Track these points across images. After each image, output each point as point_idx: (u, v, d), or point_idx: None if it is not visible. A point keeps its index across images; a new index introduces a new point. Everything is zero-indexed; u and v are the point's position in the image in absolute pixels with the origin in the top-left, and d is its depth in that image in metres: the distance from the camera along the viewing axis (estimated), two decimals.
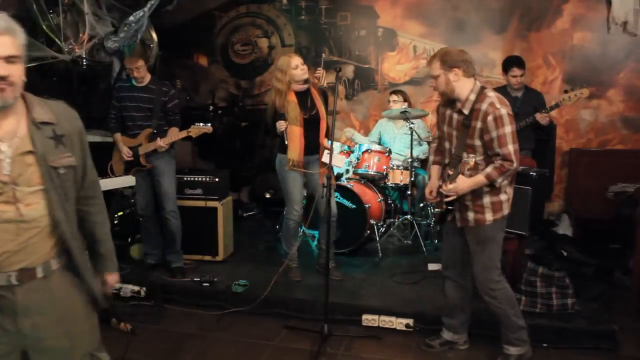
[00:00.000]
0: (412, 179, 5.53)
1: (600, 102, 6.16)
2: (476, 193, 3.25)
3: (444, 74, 3.20)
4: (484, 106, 3.12)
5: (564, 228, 5.86)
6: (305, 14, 7.23)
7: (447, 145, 3.39)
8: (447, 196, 3.27)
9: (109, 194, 4.30)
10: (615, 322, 3.82)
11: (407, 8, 6.76)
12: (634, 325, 3.98)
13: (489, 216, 3.26)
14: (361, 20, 6.98)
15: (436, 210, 3.80)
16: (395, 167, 5.63)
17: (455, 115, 3.30)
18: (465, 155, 3.24)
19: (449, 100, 3.32)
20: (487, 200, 3.25)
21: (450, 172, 3.29)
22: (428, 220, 5.72)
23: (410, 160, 5.49)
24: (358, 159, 5.58)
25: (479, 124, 3.15)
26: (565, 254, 4.85)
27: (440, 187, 3.34)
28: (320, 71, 4.90)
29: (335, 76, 4.03)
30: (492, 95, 3.16)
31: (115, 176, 4.71)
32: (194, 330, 4.12)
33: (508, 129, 3.08)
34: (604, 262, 4.86)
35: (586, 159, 6.02)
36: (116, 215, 5.30)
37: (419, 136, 5.71)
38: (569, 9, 6.20)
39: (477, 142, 3.19)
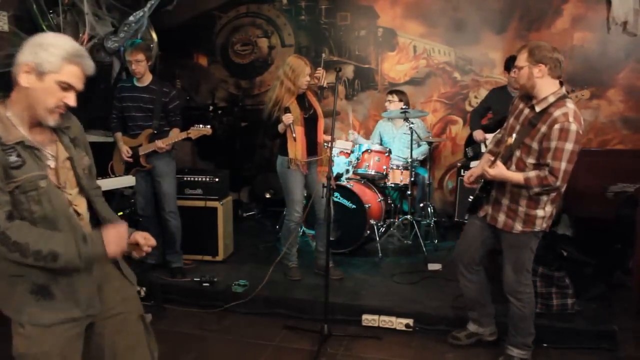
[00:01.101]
0: (412, 178, 5.54)
1: (600, 102, 6.17)
2: (515, 197, 3.18)
3: (528, 67, 3.08)
4: (557, 113, 2.98)
5: (564, 228, 5.85)
6: (305, 14, 7.23)
7: (507, 138, 3.25)
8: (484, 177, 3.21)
9: (109, 194, 4.29)
10: (615, 322, 3.82)
11: (407, 8, 6.76)
12: (634, 325, 3.98)
13: (518, 225, 3.19)
14: (361, 20, 6.98)
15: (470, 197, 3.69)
16: (395, 167, 5.64)
17: (526, 111, 3.17)
18: (517, 153, 3.14)
19: (526, 95, 3.20)
20: (522, 209, 3.16)
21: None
22: (428, 220, 5.72)
23: (409, 160, 5.50)
24: (358, 159, 5.58)
25: (544, 128, 3.01)
26: (565, 254, 4.84)
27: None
28: (320, 71, 4.90)
29: (335, 76, 4.04)
30: (570, 107, 3.00)
31: (116, 176, 4.71)
32: (194, 331, 4.12)
33: (570, 146, 2.93)
34: (604, 262, 4.86)
35: (586, 159, 5.96)
36: (116, 215, 5.29)
37: (418, 136, 5.71)
38: (569, 9, 6.20)
39: (535, 146, 3.06)
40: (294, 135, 4.45)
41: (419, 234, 5.51)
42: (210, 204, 5.16)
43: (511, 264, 3.32)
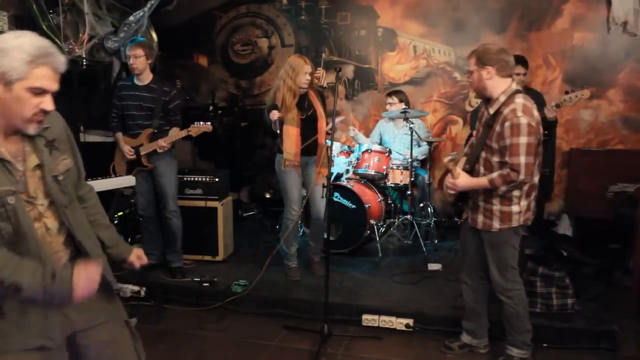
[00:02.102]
0: (412, 179, 5.54)
1: (600, 102, 6.17)
2: (487, 197, 3.23)
3: (477, 71, 3.19)
4: (506, 111, 3.07)
5: (564, 228, 5.87)
6: (305, 14, 7.23)
7: (474, 140, 3.39)
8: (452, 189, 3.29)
9: (109, 194, 4.29)
10: (615, 322, 3.82)
11: (407, 8, 6.76)
12: (634, 325, 3.99)
13: (496, 224, 3.23)
14: (361, 20, 6.98)
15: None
16: (395, 167, 5.64)
17: (485, 113, 3.28)
18: (483, 154, 3.22)
19: (484, 98, 3.29)
20: (496, 207, 3.21)
21: (466, 167, 3.30)
22: (428, 220, 5.72)
23: (410, 160, 5.50)
24: (358, 159, 5.58)
25: (498, 127, 3.10)
26: (565, 254, 4.86)
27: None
28: (320, 71, 4.91)
29: (335, 76, 4.04)
30: (519, 102, 3.08)
31: (117, 176, 4.71)
32: (194, 330, 4.12)
33: (523, 139, 3.00)
34: (603, 262, 4.87)
35: (586, 159, 6.02)
36: (116, 215, 5.30)
37: (419, 136, 5.72)
38: (569, 9, 6.20)
39: (495, 145, 3.14)
40: (277, 130, 4.43)
41: (419, 234, 5.51)
42: (210, 204, 5.16)
43: (495, 263, 3.33)
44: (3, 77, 1.72)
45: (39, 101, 1.78)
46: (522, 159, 3.02)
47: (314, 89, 4.66)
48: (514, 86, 3.18)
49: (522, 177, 3.04)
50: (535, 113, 3.09)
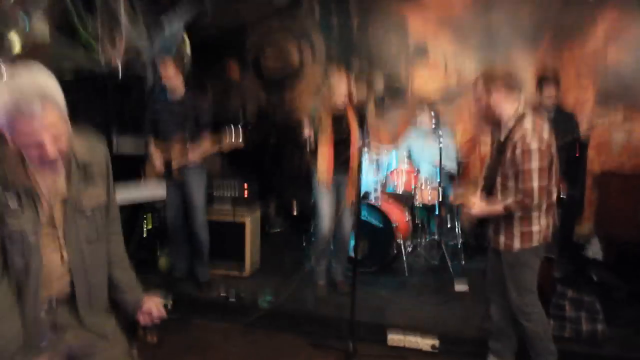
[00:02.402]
0: (441, 199, 5.48)
1: (634, 123, 6.05)
2: (508, 218, 3.22)
3: (485, 98, 3.18)
4: (516, 137, 3.07)
5: (594, 252, 5.76)
6: (337, 28, 7.27)
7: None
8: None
9: (139, 206, 4.34)
10: None
11: (439, 24, 6.75)
12: None
13: (517, 244, 3.22)
14: (393, 36, 6.99)
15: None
16: (423, 187, 5.57)
17: (495, 138, 3.30)
18: (498, 179, 3.22)
19: (493, 122, 3.29)
20: (517, 229, 3.21)
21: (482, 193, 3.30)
22: (455, 241, 5.67)
23: (439, 173, 5.43)
24: (386, 177, 5.57)
25: (509, 154, 3.11)
26: (595, 278, 4.77)
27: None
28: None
29: (367, 92, 4.03)
30: (527, 126, 3.07)
31: (148, 179, 4.72)
32: (220, 344, 4.14)
33: (535, 164, 3.02)
34: (636, 286, 4.76)
35: (618, 181, 5.92)
36: (145, 228, 5.37)
37: (449, 144, 5.66)
38: (604, 27, 6.12)
39: (508, 171, 3.15)
40: (308, 147, 4.45)
41: (446, 254, 5.47)
42: (238, 218, 5.19)
43: (514, 286, 3.30)
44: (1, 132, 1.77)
45: (35, 151, 1.77)
46: (535, 184, 3.03)
47: (354, 109, 4.61)
48: (521, 109, 3.17)
49: (536, 202, 3.06)
50: (545, 135, 3.08)
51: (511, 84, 3.15)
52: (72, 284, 2.02)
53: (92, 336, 2.08)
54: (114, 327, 2.19)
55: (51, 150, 1.74)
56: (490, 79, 3.17)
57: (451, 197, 3.34)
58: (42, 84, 1.73)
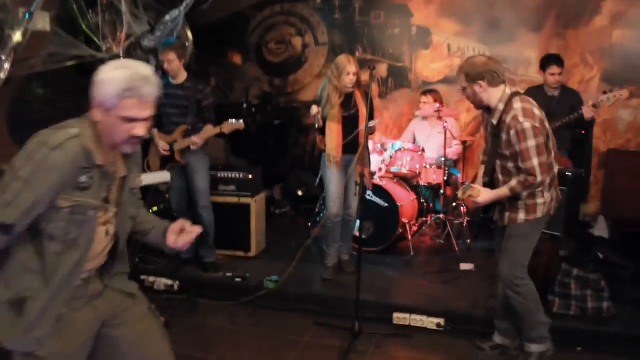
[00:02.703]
0: (446, 178, 5.50)
1: None
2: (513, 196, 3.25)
3: (469, 87, 3.21)
4: (509, 119, 3.11)
5: (600, 230, 5.75)
6: (339, 13, 7.23)
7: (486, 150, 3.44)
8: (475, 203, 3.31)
9: (145, 190, 4.38)
10: None
11: (441, 6, 6.71)
12: None
13: (521, 215, 3.25)
14: (395, 19, 6.95)
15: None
16: (428, 166, 5.61)
17: (489, 122, 3.32)
18: (498, 162, 3.26)
19: (484, 108, 3.32)
20: (521, 202, 3.25)
21: (484, 179, 3.35)
22: (461, 220, 5.68)
23: (443, 159, 5.46)
24: (391, 157, 5.57)
25: (505, 136, 3.16)
26: (601, 256, 4.76)
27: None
28: None
29: (370, 74, 4.03)
30: (517, 106, 3.11)
31: (152, 171, 4.79)
32: (226, 324, 4.18)
33: (532, 142, 3.05)
34: None
35: (624, 159, 5.89)
36: (150, 211, 5.38)
37: (452, 135, 5.67)
38: (608, 6, 6.06)
39: (506, 152, 3.20)
40: (316, 125, 4.46)
41: (451, 234, 5.48)
42: (243, 200, 5.21)
43: (507, 257, 3.34)
44: (102, 105, 1.92)
45: (130, 127, 1.95)
46: (535, 161, 3.07)
47: (361, 89, 4.67)
48: (508, 91, 3.20)
49: (539, 178, 3.09)
50: (537, 112, 3.13)
51: (493, 78, 3.16)
52: (110, 255, 2.17)
53: (121, 297, 2.21)
54: (137, 288, 2.31)
55: (145, 130, 1.98)
56: (472, 69, 3.18)
57: (459, 193, 3.33)
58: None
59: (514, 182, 3.16)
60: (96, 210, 2.00)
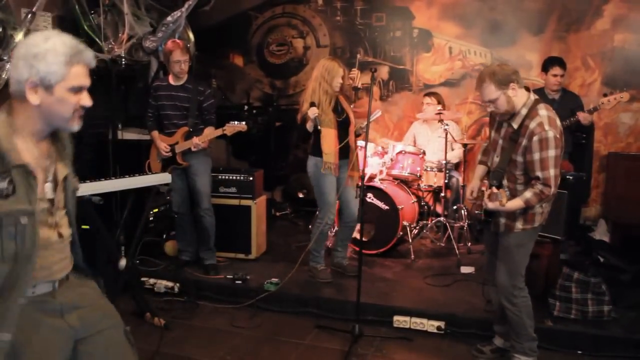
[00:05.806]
0: (446, 180, 5.50)
1: None
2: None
3: (503, 94, 3.10)
4: (533, 125, 3.05)
5: (601, 234, 5.75)
6: (341, 15, 7.24)
7: (492, 151, 3.38)
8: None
9: (145, 191, 4.37)
10: None
11: (442, 9, 6.71)
12: None
13: (519, 224, 3.23)
14: (396, 21, 6.96)
15: (476, 211, 3.77)
16: (429, 169, 5.61)
17: (505, 125, 3.25)
18: (507, 167, 3.21)
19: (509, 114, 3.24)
20: (519, 210, 3.20)
21: (494, 187, 3.22)
22: (461, 223, 5.68)
23: (444, 162, 5.46)
24: (392, 159, 5.57)
25: (524, 142, 3.09)
26: (601, 260, 4.76)
27: (480, 194, 3.31)
28: (355, 72, 4.91)
29: (371, 77, 4.02)
30: (543, 114, 3.07)
31: (152, 174, 4.79)
32: (226, 327, 4.17)
33: (552, 152, 3.02)
34: None
35: (625, 163, 5.87)
36: (151, 212, 5.38)
37: (453, 138, 5.67)
38: (610, 10, 6.06)
39: (520, 159, 3.15)
40: (319, 127, 4.44)
41: (452, 237, 5.47)
42: (244, 202, 5.21)
43: (506, 267, 3.31)
44: (42, 83, 1.74)
45: (78, 98, 1.82)
46: (552, 172, 3.04)
47: (343, 94, 4.68)
48: (532, 96, 3.17)
49: (553, 190, 3.07)
50: (558, 123, 3.11)
51: (519, 80, 3.12)
52: (71, 259, 2.04)
53: (95, 314, 2.06)
54: (100, 293, 2.18)
55: (90, 100, 1.85)
56: (501, 75, 3.09)
57: (485, 200, 3.22)
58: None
59: (529, 194, 3.10)
60: (29, 217, 1.75)
